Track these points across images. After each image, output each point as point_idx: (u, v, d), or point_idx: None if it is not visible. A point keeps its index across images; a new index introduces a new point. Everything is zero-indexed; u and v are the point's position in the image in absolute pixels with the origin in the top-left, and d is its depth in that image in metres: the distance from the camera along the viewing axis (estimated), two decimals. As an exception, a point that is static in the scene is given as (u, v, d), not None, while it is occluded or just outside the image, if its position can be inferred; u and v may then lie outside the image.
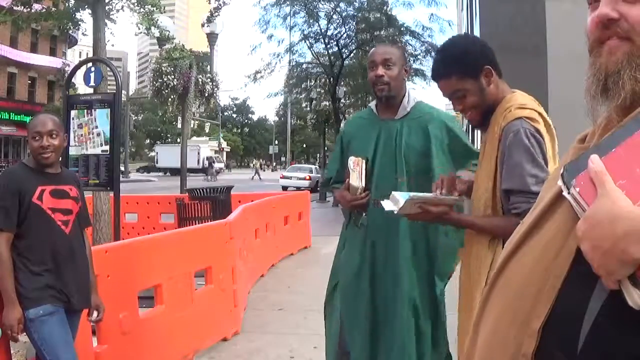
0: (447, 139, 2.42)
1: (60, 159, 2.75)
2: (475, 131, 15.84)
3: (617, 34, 0.81)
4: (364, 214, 2.50)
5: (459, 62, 1.86)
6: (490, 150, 1.84)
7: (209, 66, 13.91)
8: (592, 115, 0.85)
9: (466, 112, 1.91)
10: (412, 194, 1.92)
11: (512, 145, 1.75)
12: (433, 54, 19.86)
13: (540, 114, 1.80)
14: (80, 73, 6.87)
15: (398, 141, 2.43)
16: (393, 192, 1.96)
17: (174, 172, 47.49)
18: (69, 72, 7.47)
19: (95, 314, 2.74)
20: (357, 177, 2.45)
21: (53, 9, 9.64)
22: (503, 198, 1.80)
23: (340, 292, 2.57)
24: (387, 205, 1.95)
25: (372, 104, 2.60)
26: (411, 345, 2.35)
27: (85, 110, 5.60)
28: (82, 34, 10.67)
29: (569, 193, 0.75)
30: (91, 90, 6.43)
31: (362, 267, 2.48)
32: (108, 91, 6.70)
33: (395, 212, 1.93)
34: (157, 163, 50.68)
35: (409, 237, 2.39)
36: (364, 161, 2.46)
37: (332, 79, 20.16)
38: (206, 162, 42.66)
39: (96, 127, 5.54)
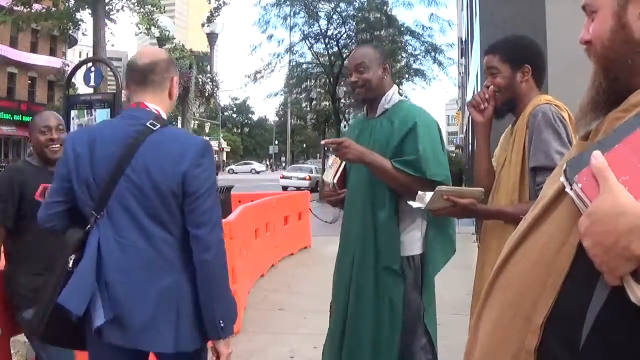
0: (403, 133, 2.39)
1: None
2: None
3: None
4: (339, 211, 2.64)
5: (507, 47, 2.08)
6: (519, 138, 1.96)
7: (209, 66, 13.92)
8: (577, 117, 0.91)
9: (497, 90, 2.08)
10: (440, 186, 1.98)
11: (540, 124, 1.87)
12: (433, 53, 19.97)
13: (567, 111, 1.92)
14: (80, 73, 6.88)
15: (371, 138, 2.49)
16: (419, 192, 2.03)
17: None
18: (69, 72, 7.48)
19: None
20: (331, 174, 2.57)
21: (53, 9, 9.66)
22: (530, 179, 1.90)
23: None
24: (414, 203, 2.01)
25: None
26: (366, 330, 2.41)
27: (85, 110, 5.61)
28: (82, 34, 10.71)
29: (571, 189, 0.75)
30: (91, 90, 6.44)
31: (339, 260, 2.60)
32: (108, 91, 6.71)
33: (423, 208, 2.00)
34: None
35: (355, 235, 2.48)
36: (344, 161, 2.54)
37: (332, 79, 20.18)
38: None
39: (96, 127, 5.54)
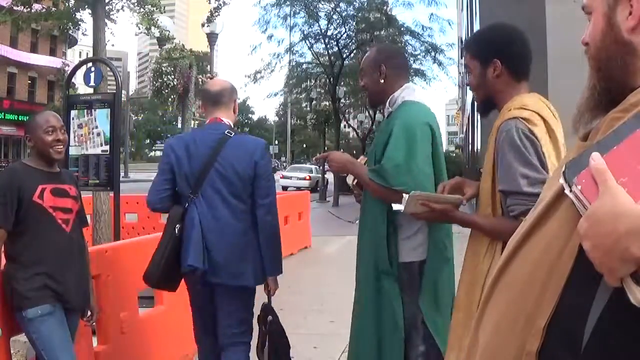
0: (385, 140, 2.37)
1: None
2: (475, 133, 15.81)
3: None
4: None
5: (476, 43, 1.99)
6: (490, 149, 1.84)
7: (209, 66, 13.92)
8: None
9: (472, 89, 2.00)
10: (415, 191, 1.96)
11: (504, 145, 1.73)
12: (433, 53, 19.96)
13: (542, 117, 1.76)
14: (80, 73, 6.85)
15: (375, 141, 2.52)
16: (404, 194, 2.00)
17: None
18: (69, 72, 7.47)
19: (88, 313, 2.74)
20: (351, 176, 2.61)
21: (53, 9, 9.63)
22: (502, 199, 1.79)
23: None
24: (397, 206, 2.01)
25: None
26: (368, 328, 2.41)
27: (85, 110, 5.60)
28: (82, 34, 10.66)
29: (570, 191, 0.75)
30: (91, 90, 6.43)
31: (356, 264, 2.59)
32: (108, 91, 6.69)
33: (402, 211, 1.98)
34: None
35: (364, 239, 2.46)
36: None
37: (332, 79, 20.15)
38: None
39: (96, 127, 5.53)
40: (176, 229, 2.65)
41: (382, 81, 2.46)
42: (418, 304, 2.33)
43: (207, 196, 2.66)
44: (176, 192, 2.74)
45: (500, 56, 1.86)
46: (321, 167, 21.95)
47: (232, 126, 2.82)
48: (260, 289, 2.83)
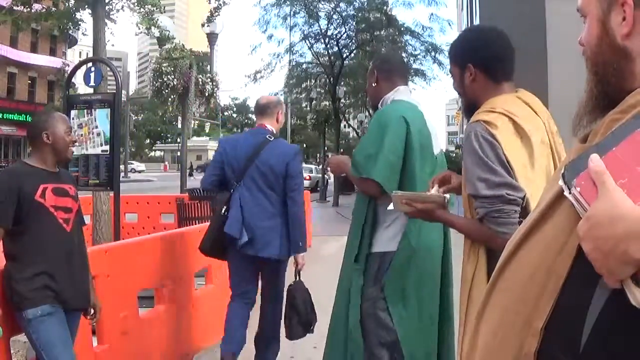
0: None
1: None
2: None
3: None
4: None
5: (452, 49, 2.02)
6: None
7: (209, 66, 13.94)
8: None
9: (459, 95, 2.01)
10: (396, 191, 2.03)
11: (465, 149, 1.74)
12: (433, 53, 19.94)
13: (511, 118, 1.72)
14: (80, 73, 6.85)
15: None
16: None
17: None
18: (69, 72, 7.47)
19: (91, 311, 2.75)
20: None
21: (53, 9, 9.64)
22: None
23: None
24: (390, 205, 2.06)
25: None
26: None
27: (85, 110, 5.60)
28: (82, 34, 10.68)
29: (569, 193, 0.75)
30: (91, 90, 6.43)
31: None
32: (108, 91, 6.70)
33: (392, 209, 2.05)
34: None
35: (350, 234, 2.61)
36: None
37: (332, 79, 20.14)
38: None
39: (96, 127, 5.54)
40: (223, 209, 3.39)
41: (374, 84, 2.65)
42: (383, 293, 2.44)
43: (248, 185, 3.38)
44: (225, 179, 3.46)
45: (473, 61, 1.87)
46: (322, 168, 21.95)
47: (274, 132, 3.54)
48: (291, 265, 3.60)
